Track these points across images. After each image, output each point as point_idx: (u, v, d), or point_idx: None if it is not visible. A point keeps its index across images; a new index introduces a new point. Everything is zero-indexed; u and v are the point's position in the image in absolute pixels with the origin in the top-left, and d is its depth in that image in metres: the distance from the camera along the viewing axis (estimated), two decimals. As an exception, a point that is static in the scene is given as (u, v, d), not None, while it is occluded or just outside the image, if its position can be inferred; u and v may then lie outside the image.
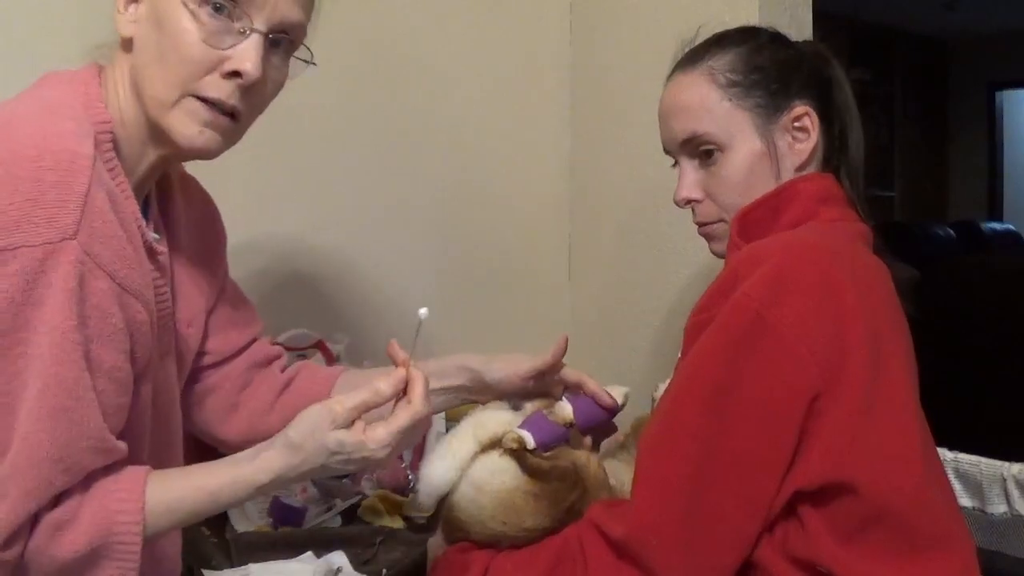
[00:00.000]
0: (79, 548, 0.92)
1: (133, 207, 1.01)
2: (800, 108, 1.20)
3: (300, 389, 1.28)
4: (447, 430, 1.62)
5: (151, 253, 1.05)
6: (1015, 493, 1.41)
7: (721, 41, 1.23)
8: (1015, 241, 6.61)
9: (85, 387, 0.92)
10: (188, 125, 1.02)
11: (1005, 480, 1.41)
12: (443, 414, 1.62)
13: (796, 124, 1.20)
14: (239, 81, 1.01)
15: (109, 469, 0.96)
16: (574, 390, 1.25)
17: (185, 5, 1.00)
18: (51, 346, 0.89)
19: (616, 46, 2.11)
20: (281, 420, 1.24)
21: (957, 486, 1.44)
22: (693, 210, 1.25)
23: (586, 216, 2.22)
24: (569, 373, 1.25)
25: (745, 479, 1.03)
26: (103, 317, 0.93)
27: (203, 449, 1.27)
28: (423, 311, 1.04)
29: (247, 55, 1.01)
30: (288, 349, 1.72)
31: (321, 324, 1.83)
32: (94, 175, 0.92)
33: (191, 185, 1.23)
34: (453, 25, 2.08)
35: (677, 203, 1.25)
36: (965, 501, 1.44)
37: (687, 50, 1.26)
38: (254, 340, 1.29)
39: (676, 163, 1.26)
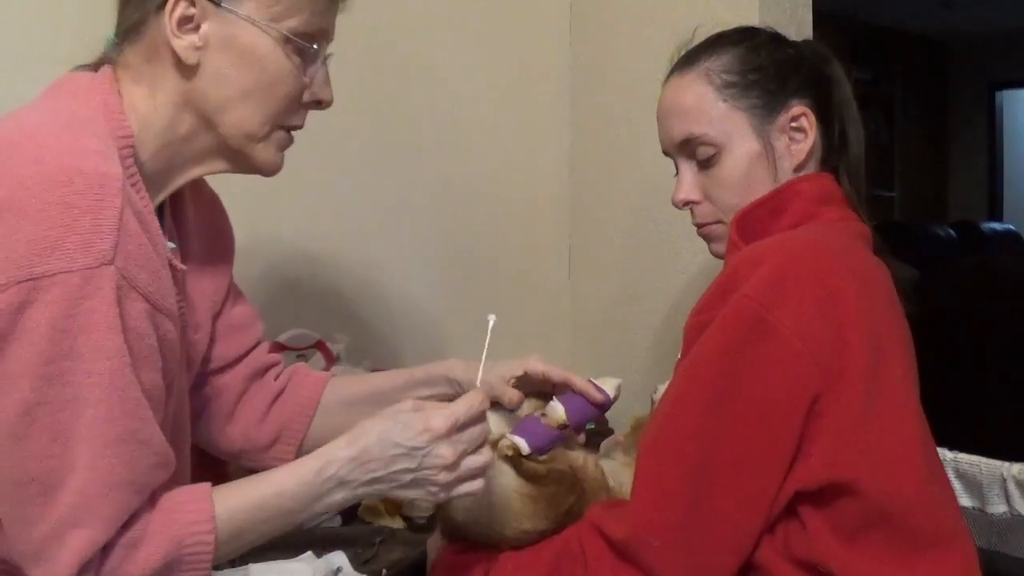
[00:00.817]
0: (154, 563, 0.91)
1: (156, 223, 1.00)
2: (797, 108, 1.19)
3: (289, 399, 1.28)
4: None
5: (171, 268, 1.04)
6: (1015, 493, 1.41)
7: (718, 42, 1.23)
8: (1015, 241, 6.60)
9: (144, 406, 0.92)
10: (274, 154, 1.07)
11: (1005, 480, 1.42)
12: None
13: (793, 124, 1.20)
14: (318, 107, 1.07)
15: (167, 484, 0.96)
16: (562, 389, 1.22)
17: (278, 43, 1.01)
18: (107, 372, 0.88)
19: (616, 46, 2.11)
20: (271, 431, 1.26)
21: (957, 486, 1.44)
22: (692, 211, 1.25)
23: (586, 216, 2.22)
24: (553, 372, 1.22)
25: (746, 480, 1.03)
26: (140, 338, 0.92)
27: (206, 458, 1.27)
28: (492, 317, 1.09)
29: (327, 84, 1.07)
30: (288, 349, 1.73)
31: (321, 324, 1.83)
32: (124, 196, 0.91)
33: (202, 187, 1.22)
34: (453, 25, 2.08)
35: (675, 204, 1.25)
36: (965, 501, 1.44)
37: (684, 51, 1.26)
38: (256, 344, 1.28)
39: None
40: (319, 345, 1.77)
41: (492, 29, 2.14)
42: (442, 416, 0.99)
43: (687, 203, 1.24)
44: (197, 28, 1.00)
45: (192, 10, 0.99)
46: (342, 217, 1.94)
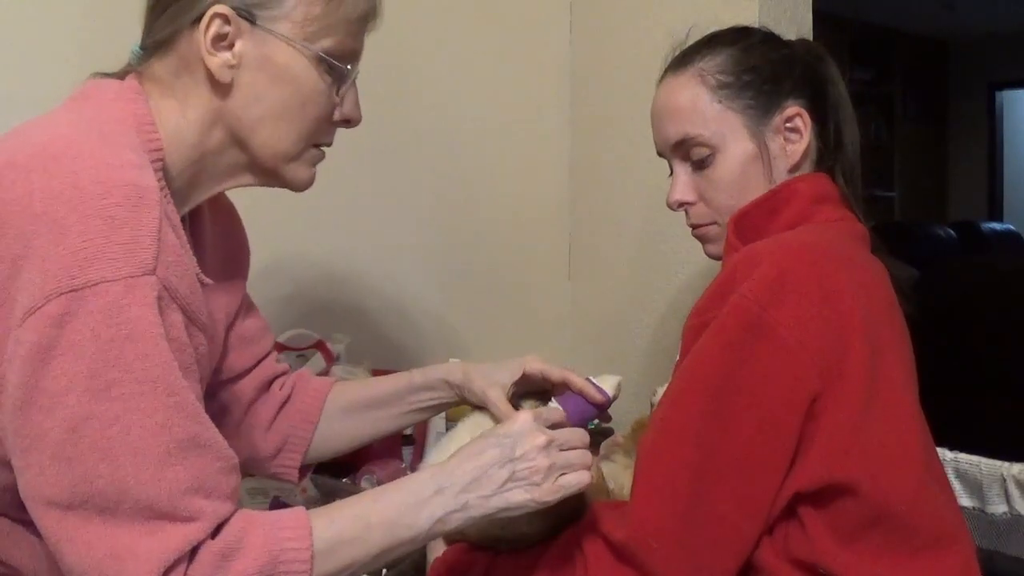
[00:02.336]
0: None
1: (183, 235, 0.98)
2: (792, 109, 1.19)
3: (293, 407, 1.27)
4: (447, 430, 1.63)
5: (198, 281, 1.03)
6: (1015, 493, 1.41)
7: (712, 42, 1.23)
8: (1015, 241, 6.61)
9: (200, 410, 0.90)
10: (307, 171, 1.07)
11: (1005, 480, 1.41)
12: (443, 414, 1.63)
13: (788, 125, 1.19)
14: (346, 126, 1.08)
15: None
16: (560, 389, 1.21)
17: (312, 62, 1.01)
18: (159, 379, 0.86)
19: (616, 46, 2.11)
20: (276, 440, 1.25)
21: (957, 486, 1.44)
22: (686, 212, 1.24)
23: (586, 216, 2.22)
24: (552, 372, 1.20)
25: (745, 481, 1.03)
26: (181, 349, 0.90)
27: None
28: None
29: (357, 103, 1.08)
30: (288, 349, 1.73)
31: (321, 324, 1.83)
32: (162, 208, 0.89)
33: (219, 198, 1.19)
34: (453, 26, 2.08)
35: (670, 206, 1.25)
36: (965, 501, 1.44)
37: (678, 51, 1.25)
38: (266, 355, 1.27)
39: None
40: (319, 345, 1.77)
41: (492, 30, 2.14)
42: (524, 411, 1.03)
43: (681, 204, 1.23)
44: (231, 46, 0.99)
45: (227, 28, 0.98)
46: (342, 217, 1.94)
